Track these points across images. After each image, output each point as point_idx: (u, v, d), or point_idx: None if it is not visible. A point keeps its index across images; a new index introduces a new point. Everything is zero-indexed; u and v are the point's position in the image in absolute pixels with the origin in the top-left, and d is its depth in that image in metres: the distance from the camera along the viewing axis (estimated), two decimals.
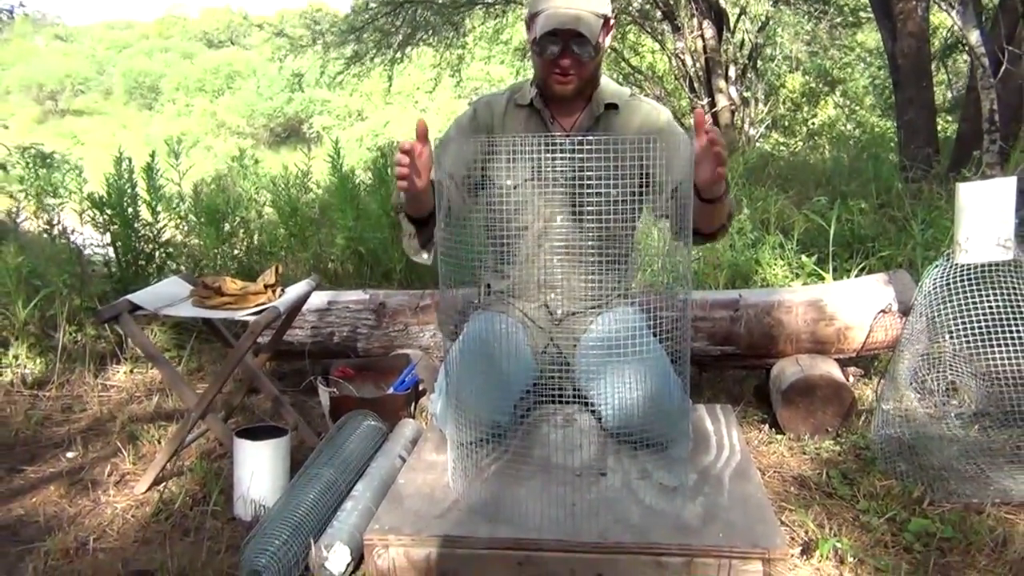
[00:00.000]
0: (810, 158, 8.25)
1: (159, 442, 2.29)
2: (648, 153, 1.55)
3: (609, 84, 1.96)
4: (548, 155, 1.79)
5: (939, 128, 8.13)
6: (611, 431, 1.78)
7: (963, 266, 2.14)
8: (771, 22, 8.85)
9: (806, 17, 9.37)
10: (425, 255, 1.90)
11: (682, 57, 8.97)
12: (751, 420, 2.43)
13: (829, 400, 2.28)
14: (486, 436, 1.73)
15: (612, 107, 1.91)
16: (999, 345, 2.10)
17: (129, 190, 3.29)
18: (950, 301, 2.17)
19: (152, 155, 3.44)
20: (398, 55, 10.39)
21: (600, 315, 1.92)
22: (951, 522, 1.77)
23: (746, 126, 8.84)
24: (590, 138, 1.58)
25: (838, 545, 1.67)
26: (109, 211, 3.23)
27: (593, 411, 1.84)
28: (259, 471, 1.87)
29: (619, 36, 10.77)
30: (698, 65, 8.79)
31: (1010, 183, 2.09)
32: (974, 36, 3.22)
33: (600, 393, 1.78)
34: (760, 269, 3.45)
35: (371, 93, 19.62)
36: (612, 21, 1.89)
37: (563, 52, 1.79)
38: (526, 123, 1.92)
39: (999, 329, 2.10)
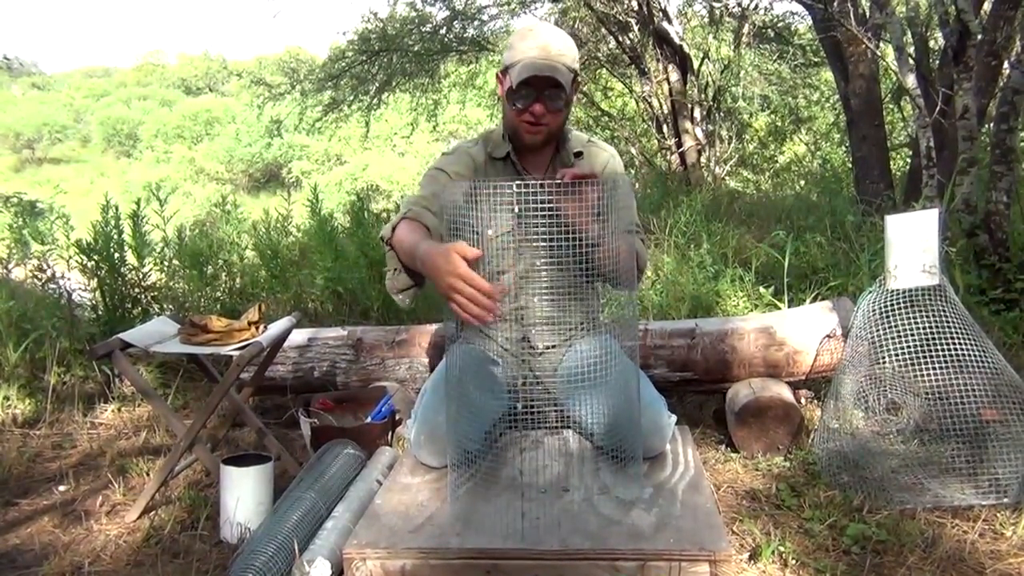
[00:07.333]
0: (774, 194, 8.53)
1: (148, 474, 2.39)
2: (611, 197, 1.67)
3: (573, 133, 2.10)
4: (528, 202, 1.91)
5: (900, 163, 8.44)
6: (601, 446, 1.90)
7: (895, 291, 2.32)
8: (732, 65, 9.15)
9: (769, 59, 9.74)
10: (406, 300, 1.96)
11: (649, 100, 9.26)
12: (709, 441, 2.58)
13: (780, 420, 2.43)
14: (457, 460, 1.85)
15: (578, 154, 2.06)
16: (931, 364, 2.26)
17: (116, 236, 3.43)
18: (886, 325, 2.34)
19: (138, 203, 3.58)
20: (375, 101, 10.63)
21: (574, 344, 2.06)
22: (886, 526, 1.92)
23: (712, 164, 9.10)
24: (591, 177, 1.67)
25: (781, 549, 1.82)
26: (96, 257, 3.35)
27: (581, 432, 1.98)
28: (244, 496, 1.98)
29: (591, 79, 11.09)
30: (665, 107, 9.07)
31: (932, 215, 2.28)
32: (910, 79, 3.46)
33: (586, 413, 1.91)
34: (720, 301, 3.63)
35: (349, 138, 19.83)
36: (579, 78, 2.02)
37: (536, 101, 1.90)
38: (502, 176, 2.01)
39: (930, 349, 2.27)
